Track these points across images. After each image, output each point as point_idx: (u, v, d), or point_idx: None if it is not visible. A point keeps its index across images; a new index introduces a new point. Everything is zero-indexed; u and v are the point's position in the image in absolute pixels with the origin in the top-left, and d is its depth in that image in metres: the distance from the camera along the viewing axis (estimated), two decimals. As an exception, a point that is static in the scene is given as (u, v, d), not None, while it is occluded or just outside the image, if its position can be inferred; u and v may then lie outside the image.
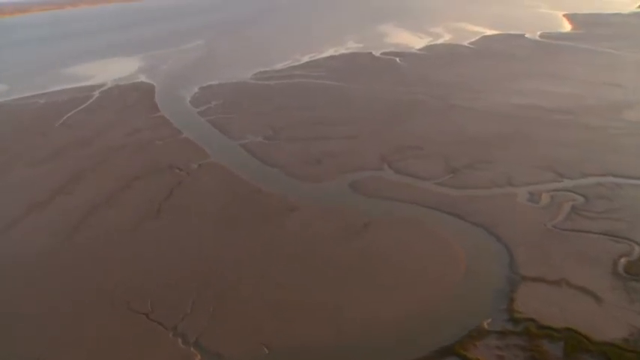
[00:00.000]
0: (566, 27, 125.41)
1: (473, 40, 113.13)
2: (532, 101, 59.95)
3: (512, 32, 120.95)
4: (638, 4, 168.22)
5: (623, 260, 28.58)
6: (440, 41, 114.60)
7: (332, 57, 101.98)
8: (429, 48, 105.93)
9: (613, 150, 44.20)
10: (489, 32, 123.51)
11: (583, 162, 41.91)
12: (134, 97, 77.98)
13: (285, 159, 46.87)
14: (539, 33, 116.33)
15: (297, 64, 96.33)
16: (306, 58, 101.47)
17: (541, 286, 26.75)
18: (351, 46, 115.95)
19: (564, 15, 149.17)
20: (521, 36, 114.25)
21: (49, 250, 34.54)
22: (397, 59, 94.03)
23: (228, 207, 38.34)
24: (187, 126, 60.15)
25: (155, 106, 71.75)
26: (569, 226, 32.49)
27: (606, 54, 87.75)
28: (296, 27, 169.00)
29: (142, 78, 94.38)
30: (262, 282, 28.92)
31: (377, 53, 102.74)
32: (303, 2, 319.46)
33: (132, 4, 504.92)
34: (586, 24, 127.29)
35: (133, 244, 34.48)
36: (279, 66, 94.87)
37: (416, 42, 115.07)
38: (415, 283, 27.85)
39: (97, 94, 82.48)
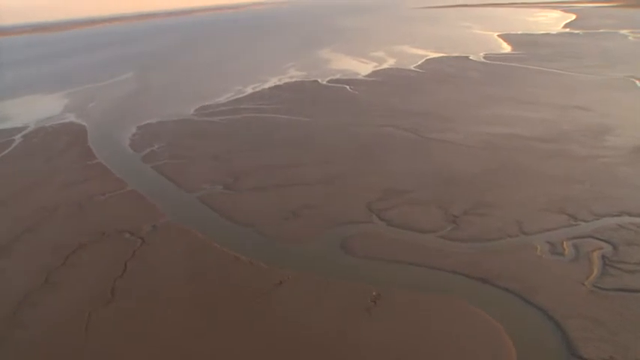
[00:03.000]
0: (506, 48, 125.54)
1: (418, 63, 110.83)
2: (507, 130, 56.33)
3: (455, 54, 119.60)
4: (562, 25, 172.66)
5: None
6: (385, 66, 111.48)
7: (277, 87, 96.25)
8: (376, 74, 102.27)
9: (616, 184, 40.60)
10: (432, 55, 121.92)
11: (590, 200, 37.87)
12: (64, 142, 69.04)
13: (256, 214, 40.31)
14: (482, 54, 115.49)
15: (241, 96, 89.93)
16: (249, 90, 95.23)
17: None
18: (294, 74, 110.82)
19: (499, 35, 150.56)
20: (466, 58, 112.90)
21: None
22: (347, 87, 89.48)
23: (199, 284, 31.40)
24: (131, 175, 52.53)
25: (90, 151, 63.28)
26: (611, 285, 27.82)
27: (557, 75, 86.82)
28: (232, 56, 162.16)
29: (71, 118, 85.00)
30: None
31: (323, 81, 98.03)
32: (232, 30, 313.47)
33: (46, 35, 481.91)
34: (523, 44, 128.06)
35: (82, 341, 26.89)
36: (222, 99, 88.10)
37: (361, 68, 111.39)
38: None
39: (18, 139, 72.92)
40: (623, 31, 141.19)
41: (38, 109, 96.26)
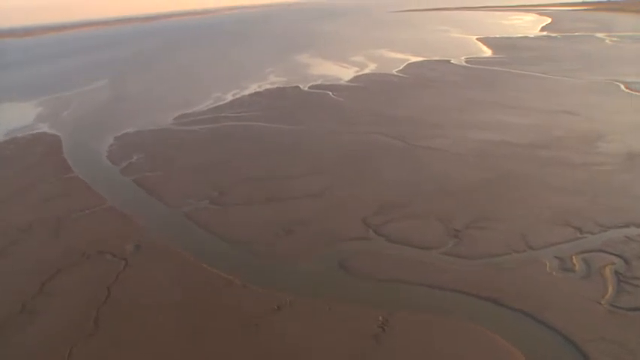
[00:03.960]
0: (487, 51, 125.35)
1: (400, 67, 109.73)
2: (498, 136, 55.15)
3: (435, 58, 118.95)
4: (539, 28, 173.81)
5: None
6: (367, 71, 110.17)
7: (258, 94, 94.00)
8: (359, 79, 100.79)
9: (617, 193, 39.54)
10: (413, 59, 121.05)
11: (595, 211, 36.66)
12: (37, 154, 65.85)
13: (247, 231, 38.18)
14: (463, 58, 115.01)
15: (221, 103, 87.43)
16: (229, 97, 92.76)
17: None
18: (274, 80, 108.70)
19: (478, 39, 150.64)
20: (448, 62, 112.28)
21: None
22: (330, 93, 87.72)
23: (189, 311, 29.13)
24: (110, 190, 49.94)
25: (65, 163, 60.32)
26: (629, 304, 26.43)
27: (540, 78, 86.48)
28: (208, 62, 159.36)
29: (44, 128, 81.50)
30: None
31: (305, 87, 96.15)
32: (207, 36, 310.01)
33: (15, 40, 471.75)
34: (503, 48, 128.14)
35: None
36: (201, 107, 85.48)
37: (342, 73, 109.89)
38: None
39: (-12, 151, 69.50)
40: (599, 35, 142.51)
41: (8, 118, 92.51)
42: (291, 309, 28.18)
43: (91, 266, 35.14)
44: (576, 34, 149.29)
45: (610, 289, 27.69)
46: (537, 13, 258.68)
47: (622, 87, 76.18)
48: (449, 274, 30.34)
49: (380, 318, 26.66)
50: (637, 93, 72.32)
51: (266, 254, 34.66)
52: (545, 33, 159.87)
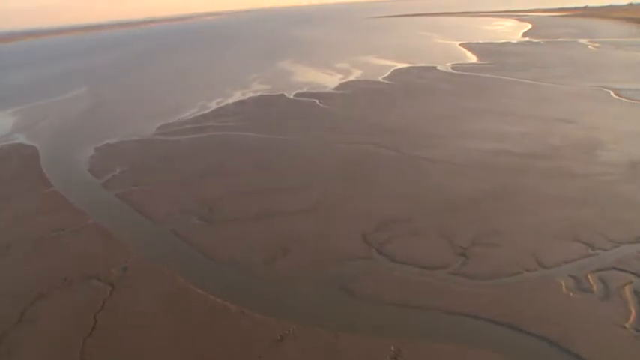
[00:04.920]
0: (472, 57, 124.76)
1: (386, 74, 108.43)
2: (495, 145, 53.83)
3: (421, 64, 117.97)
4: (521, 33, 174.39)
5: None
6: (352, 78, 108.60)
7: (242, 102, 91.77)
8: (345, 86, 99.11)
9: (624, 205, 38.33)
10: (398, 65, 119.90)
11: (603, 225, 35.33)
12: (14, 167, 62.88)
13: (241, 251, 36.03)
14: (449, 65, 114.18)
15: (205, 112, 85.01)
16: (213, 105, 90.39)
17: None
18: (258, 87, 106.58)
19: (461, 45, 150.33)
20: (434, 68, 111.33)
21: None
22: (317, 101, 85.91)
23: (183, 342, 26.88)
24: (93, 206, 47.39)
25: (44, 177, 57.48)
26: (656, 328, 24.83)
27: (530, 85, 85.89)
28: (189, 69, 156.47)
29: (20, 139, 78.22)
30: None
31: (290, 95, 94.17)
32: (187, 42, 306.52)
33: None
34: (488, 54, 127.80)
35: None
36: (185, 116, 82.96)
37: (327, 80, 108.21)
38: None
39: (-40, 164, 66.17)
40: (582, 41, 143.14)
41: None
42: (296, 339, 26.11)
43: (74, 292, 32.66)
44: (559, 40, 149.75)
45: (633, 312, 26.18)
46: (517, 19, 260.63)
47: (612, 93, 75.73)
48: (460, 296, 28.59)
49: (392, 348, 24.78)
50: (627, 100, 71.81)
51: (262, 276, 32.58)
52: (527, 39, 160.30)
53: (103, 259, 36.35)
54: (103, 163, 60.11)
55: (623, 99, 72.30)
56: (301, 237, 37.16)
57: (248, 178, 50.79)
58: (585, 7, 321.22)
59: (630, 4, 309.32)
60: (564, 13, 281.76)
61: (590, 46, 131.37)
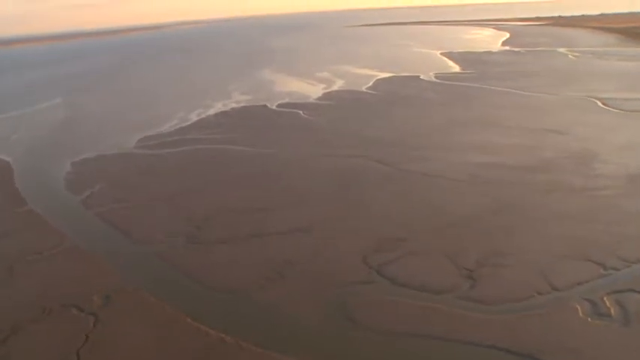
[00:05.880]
0: (454, 67, 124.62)
1: (369, 84, 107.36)
2: (490, 158, 52.61)
3: (404, 74, 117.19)
4: (500, 42, 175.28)
5: None
6: (335, 88, 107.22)
7: (224, 113, 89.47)
8: (328, 96, 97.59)
9: (629, 221, 37.33)
10: (381, 75, 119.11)
11: (612, 242, 34.10)
12: (-16, 184, 59.60)
13: (233, 275, 33.84)
14: (432, 74, 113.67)
15: (186, 124, 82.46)
16: (194, 117, 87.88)
17: None
18: (239, 98, 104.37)
19: (442, 54, 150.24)
20: (417, 78, 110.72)
21: None
22: (301, 112, 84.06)
23: (179, 381, 24.63)
24: (71, 226, 44.76)
25: (18, 195, 54.42)
26: (684, 357, 23.35)
27: (516, 95, 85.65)
28: (168, 78, 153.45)
29: (-9, 153, 74.72)
30: None
31: (272, 106, 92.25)
32: (164, 51, 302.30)
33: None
34: (470, 63, 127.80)
35: None
36: (165, 128, 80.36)
37: (309, 90, 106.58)
38: None
39: None
40: (561, 49, 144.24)
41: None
42: (299, 376, 24.02)
43: (54, 324, 30.06)
44: (539, 49, 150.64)
45: (656, 340, 24.63)
46: (494, 28, 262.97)
47: (599, 103, 75.52)
48: (471, 323, 26.84)
49: (405, 385, 22.80)
50: (614, 110, 71.52)
51: (258, 304, 30.43)
52: (507, 47, 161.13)
53: (83, 286, 33.80)
54: (81, 179, 57.33)
55: (610, 109, 71.99)
56: (296, 259, 35.17)
57: (236, 194, 48.68)
58: (559, 17, 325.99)
59: (602, 14, 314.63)
60: (540, 22, 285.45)
61: (570, 55, 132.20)
